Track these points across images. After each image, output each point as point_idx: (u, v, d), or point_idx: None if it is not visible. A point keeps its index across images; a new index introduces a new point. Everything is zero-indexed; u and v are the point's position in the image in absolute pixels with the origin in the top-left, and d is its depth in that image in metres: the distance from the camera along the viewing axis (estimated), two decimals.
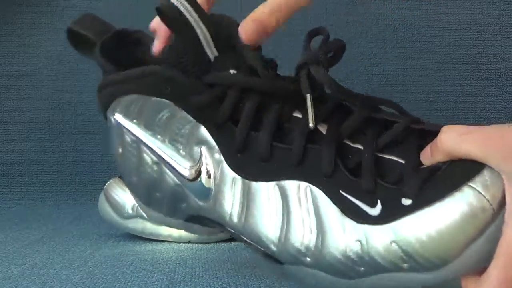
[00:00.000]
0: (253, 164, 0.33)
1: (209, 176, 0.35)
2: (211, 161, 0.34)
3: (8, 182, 0.94)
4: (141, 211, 0.62)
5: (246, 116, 0.33)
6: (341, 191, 0.30)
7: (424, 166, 0.30)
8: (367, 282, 0.30)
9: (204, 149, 0.35)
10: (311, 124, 0.32)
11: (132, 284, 0.43)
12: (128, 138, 0.38)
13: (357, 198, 0.30)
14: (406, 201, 0.28)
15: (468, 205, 0.26)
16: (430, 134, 0.31)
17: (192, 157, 0.35)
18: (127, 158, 0.39)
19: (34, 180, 0.95)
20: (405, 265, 0.28)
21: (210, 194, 0.35)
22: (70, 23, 0.44)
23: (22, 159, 0.95)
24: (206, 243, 0.61)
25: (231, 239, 0.62)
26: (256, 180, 0.33)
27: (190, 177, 0.35)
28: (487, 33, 1.02)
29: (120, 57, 0.41)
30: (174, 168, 0.36)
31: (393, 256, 0.28)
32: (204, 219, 0.37)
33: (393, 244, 0.28)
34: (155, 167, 0.37)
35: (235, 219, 0.34)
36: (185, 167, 0.36)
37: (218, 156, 0.34)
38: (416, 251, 0.27)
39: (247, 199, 0.33)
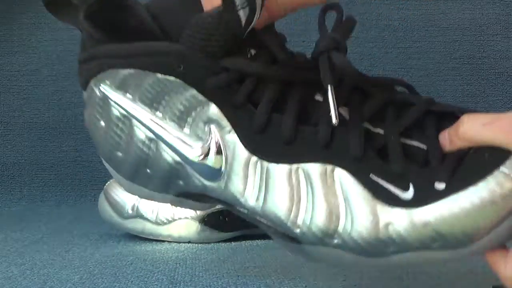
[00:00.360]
0: (274, 146, 0.32)
1: (218, 155, 0.34)
2: (221, 141, 0.34)
3: (8, 182, 0.94)
4: (141, 211, 0.62)
5: (268, 99, 0.33)
6: (371, 175, 0.30)
7: (450, 151, 0.30)
8: (393, 260, 0.30)
9: (213, 128, 0.34)
10: (334, 121, 0.31)
11: (132, 284, 0.43)
12: (116, 112, 0.36)
13: (388, 182, 0.30)
14: (440, 185, 0.29)
15: (501, 188, 0.28)
16: (446, 116, 0.32)
17: (198, 135, 0.34)
18: (112, 133, 0.37)
19: (34, 180, 0.95)
20: (435, 244, 0.29)
21: (220, 175, 0.34)
22: None
23: (22, 159, 0.95)
24: (206, 243, 0.61)
25: (231, 239, 0.62)
26: (277, 162, 0.32)
27: (196, 156, 0.34)
28: (487, 33, 1.02)
29: (108, 24, 0.38)
30: (174, 146, 0.35)
31: (424, 237, 0.29)
32: (201, 196, 0.37)
33: (426, 226, 0.29)
34: (150, 144, 0.36)
35: (251, 201, 0.33)
36: (189, 145, 0.35)
37: (231, 136, 0.33)
38: (448, 231, 0.28)
39: (265, 181, 0.33)
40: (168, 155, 0.36)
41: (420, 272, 0.47)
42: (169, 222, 0.62)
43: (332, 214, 0.31)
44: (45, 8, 0.38)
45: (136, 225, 0.63)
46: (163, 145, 0.35)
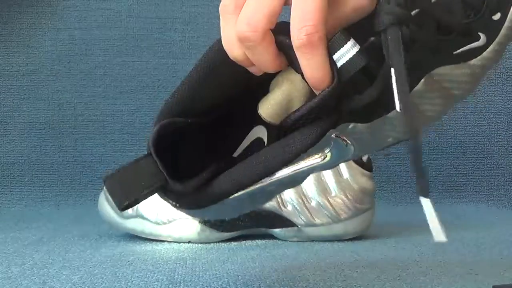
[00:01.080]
0: (385, 104, 0.34)
1: (344, 144, 0.35)
2: (345, 136, 0.35)
3: (8, 182, 0.94)
4: (141, 211, 0.62)
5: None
6: (454, 52, 0.34)
7: None
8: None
9: (335, 134, 0.34)
10: (398, 109, 0.31)
11: (132, 284, 0.43)
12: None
13: (468, 44, 0.35)
14: (496, 16, 0.35)
15: None
16: None
17: (323, 147, 0.35)
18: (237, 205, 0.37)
19: (34, 180, 0.95)
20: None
21: (350, 151, 0.36)
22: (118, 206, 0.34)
23: (22, 159, 0.95)
24: (206, 243, 0.61)
25: (231, 239, 0.62)
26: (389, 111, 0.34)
27: (326, 161, 0.35)
28: None
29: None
30: (306, 169, 0.35)
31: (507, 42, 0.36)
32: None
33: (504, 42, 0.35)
34: (270, 189, 0.36)
35: (392, 137, 0.36)
36: (319, 159, 0.35)
37: (350, 126, 0.34)
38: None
39: (394, 119, 0.35)
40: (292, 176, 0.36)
41: (420, 273, 0.47)
42: (169, 222, 0.62)
43: (448, 99, 0.35)
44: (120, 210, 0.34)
45: (136, 225, 0.63)
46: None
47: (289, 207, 0.62)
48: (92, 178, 0.94)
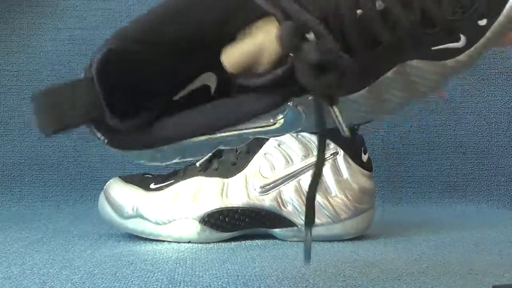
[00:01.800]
0: (349, 83, 0.33)
1: (297, 112, 0.34)
2: (300, 106, 0.33)
3: (8, 182, 0.94)
4: (141, 211, 0.62)
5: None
6: (432, 48, 0.34)
7: None
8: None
9: (292, 103, 0.33)
10: (347, 134, 0.33)
11: (132, 284, 0.43)
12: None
13: (445, 43, 0.34)
14: (482, 22, 0.34)
15: None
16: None
17: (278, 113, 0.33)
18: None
19: (34, 180, 0.95)
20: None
21: (302, 121, 0.34)
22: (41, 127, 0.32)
23: (22, 159, 0.95)
24: (206, 243, 0.61)
25: (231, 239, 0.62)
26: (360, 90, 0.34)
27: (277, 126, 0.34)
28: None
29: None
30: (254, 131, 0.34)
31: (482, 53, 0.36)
32: None
33: (484, 49, 0.35)
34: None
35: (363, 112, 0.36)
36: (267, 122, 0.34)
37: (310, 98, 0.33)
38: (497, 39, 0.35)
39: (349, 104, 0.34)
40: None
41: (420, 273, 0.47)
42: (169, 222, 0.62)
43: (411, 93, 0.35)
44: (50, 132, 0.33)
45: (136, 225, 0.63)
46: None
47: (289, 207, 0.62)
48: (92, 178, 0.94)
